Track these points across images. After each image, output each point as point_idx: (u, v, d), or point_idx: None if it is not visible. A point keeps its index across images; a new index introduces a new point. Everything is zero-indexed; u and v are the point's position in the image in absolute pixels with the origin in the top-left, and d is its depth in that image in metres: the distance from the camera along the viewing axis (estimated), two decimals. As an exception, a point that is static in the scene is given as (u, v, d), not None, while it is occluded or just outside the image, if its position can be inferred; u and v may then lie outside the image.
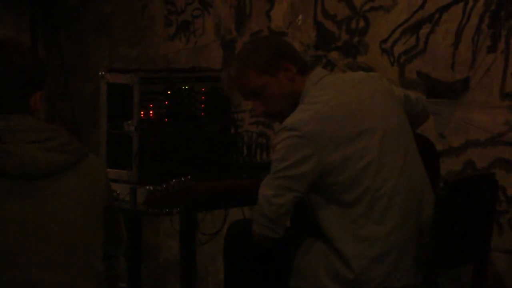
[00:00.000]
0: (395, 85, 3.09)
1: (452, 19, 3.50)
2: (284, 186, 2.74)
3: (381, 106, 2.85)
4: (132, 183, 3.00)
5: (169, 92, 3.13)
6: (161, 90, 3.12)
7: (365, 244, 2.74)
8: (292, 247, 2.89)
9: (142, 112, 3.07)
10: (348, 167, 2.74)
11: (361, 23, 3.77)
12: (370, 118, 2.80)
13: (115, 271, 2.25)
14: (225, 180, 3.11)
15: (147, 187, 2.91)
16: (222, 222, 3.39)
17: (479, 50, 3.44)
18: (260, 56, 2.85)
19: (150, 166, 3.04)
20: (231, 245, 3.08)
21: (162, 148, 3.08)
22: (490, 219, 2.98)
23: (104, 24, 4.79)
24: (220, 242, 3.15)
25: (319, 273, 2.82)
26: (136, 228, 3.17)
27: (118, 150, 3.10)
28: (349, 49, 3.78)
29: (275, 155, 2.77)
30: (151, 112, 3.10)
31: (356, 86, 2.87)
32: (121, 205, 2.93)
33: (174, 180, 2.77)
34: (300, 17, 3.95)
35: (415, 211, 2.80)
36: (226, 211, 3.37)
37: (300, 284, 2.88)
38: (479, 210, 2.93)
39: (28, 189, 1.99)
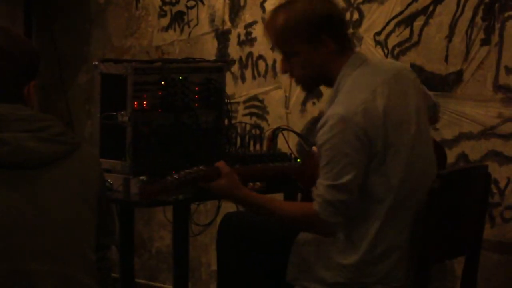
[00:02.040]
0: None
1: (446, 11, 3.50)
2: (350, 183, 2.63)
3: (418, 100, 2.79)
4: (125, 174, 3.00)
5: (163, 82, 3.12)
6: (155, 80, 3.11)
7: (377, 241, 2.71)
8: (288, 239, 2.89)
9: (135, 103, 3.06)
10: (385, 157, 2.67)
11: (355, 15, 3.77)
12: (409, 110, 2.74)
13: (108, 261, 2.25)
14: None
15: (140, 178, 2.92)
16: (215, 213, 3.39)
17: (472, 43, 3.44)
18: (305, 21, 2.71)
19: (144, 156, 3.04)
20: (224, 237, 3.07)
21: (155, 138, 3.08)
22: (483, 212, 2.99)
23: (98, 15, 4.78)
24: (213, 233, 3.15)
25: (316, 266, 2.81)
26: (129, 219, 3.16)
27: (111, 140, 3.09)
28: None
29: (330, 152, 2.64)
30: (144, 102, 3.09)
31: (398, 75, 2.78)
32: (114, 195, 2.92)
33: (186, 170, 2.74)
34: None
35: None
36: (219, 202, 3.37)
37: (297, 276, 2.87)
38: (471, 203, 2.93)
39: (21, 179, 1.98)
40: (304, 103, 3.95)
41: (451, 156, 3.47)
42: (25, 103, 2.11)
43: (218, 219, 3.19)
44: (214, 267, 4.07)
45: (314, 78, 2.80)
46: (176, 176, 2.70)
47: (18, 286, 1.93)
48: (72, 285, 2.01)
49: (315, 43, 2.73)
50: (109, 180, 2.94)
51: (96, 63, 3.17)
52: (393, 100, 2.71)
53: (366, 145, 2.65)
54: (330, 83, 2.80)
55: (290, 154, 3.34)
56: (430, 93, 3.03)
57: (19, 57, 2.11)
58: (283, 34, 2.76)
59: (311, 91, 3.53)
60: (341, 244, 2.76)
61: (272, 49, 4.02)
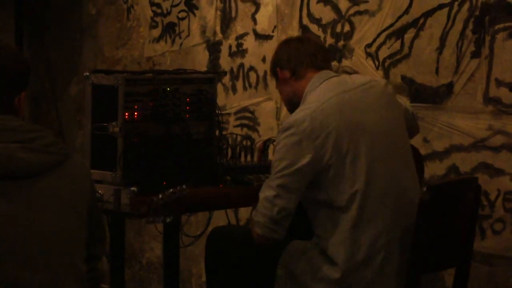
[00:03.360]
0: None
1: (436, 24, 3.52)
2: (285, 186, 2.78)
3: (383, 109, 2.90)
4: (116, 185, 3.00)
5: (154, 93, 3.12)
6: (146, 91, 3.11)
7: (354, 247, 2.75)
8: (275, 253, 2.90)
9: (126, 114, 3.06)
10: (342, 166, 2.77)
11: (346, 27, 3.78)
12: (367, 118, 2.85)
13: (98, 272, 2.24)
14: (218, 188, 3.14)
15: (131, 189, 2.91)
16: (206, 224, 3.39)
17: (463, 55, 3.45)
18: (272, 60, 3.11)
19: (135, 167, 3.03)
20: (212, 251, 3.09)
21: (146, 149, 3.07)
22: (473, 223, 3.00)
23: (89, 25, 4.79)
24: (203, 244, 3.15)
25: (304, 278, 2.82)
26: (119, 230, 3.16)
27: (102, 151, 3.08)
28: (334, 52, 3.79)
29: (275, 156, 2.85)
30: (135, 113, 3.09)
31: (361, 87, 2.93)
32: (105, 206, 2.92)
33: (170, 190, 2.76)
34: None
35: (403, 215, 2.81)
36: (210, 213, 3.36)
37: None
38: (461, 214, 2.94)
39: (12, 189, 1.98)
40: (295, 115, 3.95)
41: (441, 168, 3.48)
42: (16, 114, 2.10)
43: (209, 230, 3.19)
44: (204, 278, 4.07)
45: (295, 104, 2.99)
46: (160, 196, 2.72)
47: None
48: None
49: (276, 76, 3.07)
50: (99, 191, 2.93)
51: (87, 73, 3.16)
52: (349, 109, 2.84)
53: (310, 152, 2.76)
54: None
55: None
56: (411, 104, 3.16)
57: (9, 68, 2.10)
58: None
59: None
60: (324, 257, 2.79)
61: (263, 60, 4.03)
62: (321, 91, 2.90)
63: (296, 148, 2.78)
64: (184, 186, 2.78)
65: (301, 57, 3.01)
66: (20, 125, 2.05)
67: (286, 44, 3.11)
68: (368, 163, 2.79)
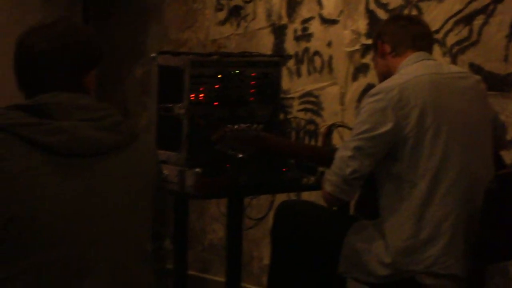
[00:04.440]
0: None
1: (506, 10, 3.46)
2: (361, 148, 2.79)
3: (469, 101, 2.91)
4: (180, 165, 3.01)
5: (219, 76, 3.13)
6: (211, 74, 3.12)
7: (420, 224, 2.75)
8: (341, 232, 2.91)
9: (192, 95, 3.07)
10: (422, 140, 2.77)
11: (414, 13, 3.74)
12: (453, 104, 2.85)
13: (163, 252, 2.25)
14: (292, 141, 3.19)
15: (195, 170, 2.93)
16: (268, 208, 3.40)
17: (533, 42, 3.40)
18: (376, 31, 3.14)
19: (199, 149, 3.05)
20: (279, 224, 3.10)
21: (211, 131, 3.08)
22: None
23: (155, 7, 4.81)
24: (265, 227, 3.16)
25: (367, 258, 2.83)
26: (183, 210, 3.18)
27: (167, 132, 3.10)
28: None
29: (358, 118, 2.87)
30: (201, 95, 3.10)
31: (455, 75, 2.96)
32: (169, 186, 2.94)
33: (246, 125, 2.82)
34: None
35: (471, 202, 2.79)
36: (273, 196, 3.37)
37: (349, 269, 2.89)
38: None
39: (79, 167, 1.98)
40: (359, 100, 3.93)
41: (510, 157, 3.43)
42: (86, 93, 2.11)
43: (271, 214, 3.19)
44: (266, 261, 4.08)
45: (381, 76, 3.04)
46: (236, 126, 2.82)
47: (74, 271, 1.93)
48: (127, 273, 2.02)
49: (375, 50, 3.09)
50: (164, 171, 2.95)
51: (154, 55, 3.18)
52: (438, 90, 2.85)
53: (393, 121, 2.78)
54: None
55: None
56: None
57: (80, 46, 2.12)
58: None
59: None
60: (388, 234, 2.79)
61: (328, 45, 4.01)
62: (415, 67, 2.92)
63: (379, 114, 2.79)
64: (260, 126, 2.82)
65: (405, 36, 3.01)
66: (90, 104, 2.06)
67: (395, 20, 3.15)
68: (446, 144, 2.79)
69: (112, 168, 2.03)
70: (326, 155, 2.96)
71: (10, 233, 1.91)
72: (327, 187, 2.84)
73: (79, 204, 1.97)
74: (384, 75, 3.01)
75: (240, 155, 2.82)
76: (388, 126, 2.78)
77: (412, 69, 2.91)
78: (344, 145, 2.86)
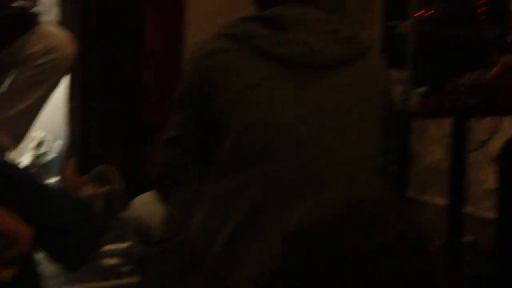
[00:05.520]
0: None
1: None
2: None
3: None
4: (404, 84, 2.98)
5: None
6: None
7: None
8: None
9: (419, 13, 3.01)
10: None
11: None
12: None
13: (391, 166, 2.23)
14: None
15: (419, 90, 2.88)
16: (492, 131, 3.31)
17: None
18: None
19: (424, 68, 3.00)
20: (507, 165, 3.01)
21: (436, 51, 3.02)
22: None
23: None
24: (489, 151, 3.08)
25: None
26: (406, 130, 3.15)
27: (391, 50, 3.07)
28: None
29: None
30: (427, 13, 3.03)
31: None
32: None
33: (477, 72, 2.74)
34: None
35: None
36: (501, 118, 3.27)
37: None
38: None
39: (311, 79, 1.99)
40: None
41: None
42: (316, 6, 2.11)
43: (495, 138, 3.11)
44: (488, 185, 3.99)
45: None
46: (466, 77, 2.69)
47: (307, 182, 1.95)
48: (361, 187, 2.02)
49: None
50: (389, 89, 2.93)
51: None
52: None
53: None
54: None
55: None
56: None
57: None
58: None
59: None
60: None
61: None
62: None
63: None
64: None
65: None
66: (321, 16, 2.05)
67: None
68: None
69: (344, 81, 2.02)
70: None
71: (243, 142, 1.96)
72: None
73: (313, 116, 1.98)
74: None
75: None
76: None
77: None
78: None
